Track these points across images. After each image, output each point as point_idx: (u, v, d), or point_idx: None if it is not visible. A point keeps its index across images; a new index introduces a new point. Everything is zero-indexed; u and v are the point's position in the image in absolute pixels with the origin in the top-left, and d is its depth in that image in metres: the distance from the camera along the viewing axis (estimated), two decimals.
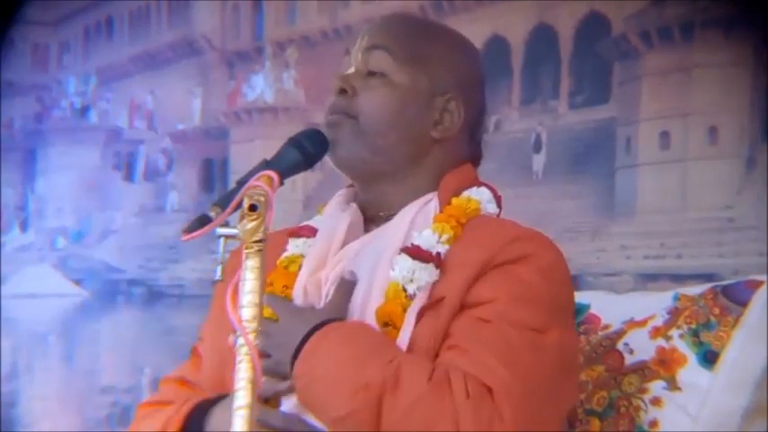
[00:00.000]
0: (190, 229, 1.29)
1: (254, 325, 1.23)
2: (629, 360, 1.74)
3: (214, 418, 1.49)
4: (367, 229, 1.59)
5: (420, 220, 1.55)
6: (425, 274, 1.48)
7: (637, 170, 4.81)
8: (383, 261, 1.51)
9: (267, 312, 1.49)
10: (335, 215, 1.61)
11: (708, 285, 1.77)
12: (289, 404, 1.48)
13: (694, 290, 1.77)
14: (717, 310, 1.70)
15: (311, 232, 1.63)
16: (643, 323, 1.77)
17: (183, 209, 7.27)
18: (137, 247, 7.50)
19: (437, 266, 1.49)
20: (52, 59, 8.55)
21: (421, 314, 1.46)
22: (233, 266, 1.28)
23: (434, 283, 1.48)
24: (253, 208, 1.26)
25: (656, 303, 1.79)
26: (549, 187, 5.10)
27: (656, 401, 1.69)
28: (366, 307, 1.49)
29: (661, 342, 1.72)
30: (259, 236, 1.26)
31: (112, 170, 8.11)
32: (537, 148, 5.23)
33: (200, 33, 7.43)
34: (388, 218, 1.58)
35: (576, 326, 1.68)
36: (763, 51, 4.18)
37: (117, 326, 7.73)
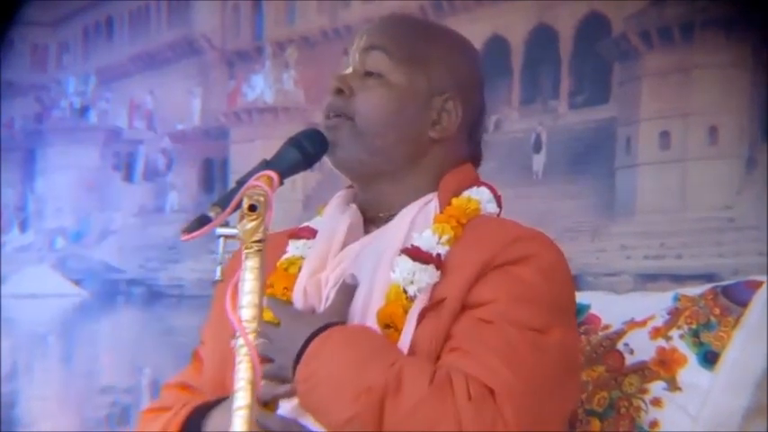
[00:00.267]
0: (189, 230, 1.29)
1: (253, 325, 1.23)
2: (629, 360, 1.74)
3: (213, 421, 1.49)
4: (367, 230, 1.59)
5: (420, 221, 1.55)
6: (426, 276, 1.48)
7: (637, 170, 4.81)
8: (383, 263, 1.51)
9: (268, 316, 1.49)
10: (335, 216, 1.61)
11: (708, 286, 1.76)
12: (286, 407, 1.48)
13: (694, 290, 1.77)
14: (717, 311, 1.70)
15: (311, 234, 1.63)
16: (643, 323, 1.76)
17: (183, 209, 7.27)
18: (136, 248, 7.50)
19: (437, 268, 1.48)
20: (52, 60, 8.55)
21: (422, 316, 1.46)
22: (233, 268, 1.28)
23: (435, 285, 1.48)
24: (252, 208, 1.26)
25: (657, 304, 1.78)
26: (549, 187, 5.11)
27: (656, 402, 1.68)
28: (367, 309, 1.49)
29: (661, 342, 1.71)
30: (259, 236, 1.25)
31: (112, 170, 8.11)
32: (537, 148, 5.23)
33: (200, 33, 7.43)
34: (388, 219, 1.58)
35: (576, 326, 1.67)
36: (762, 51, 4.19)
37: (116, 326, 7.73)
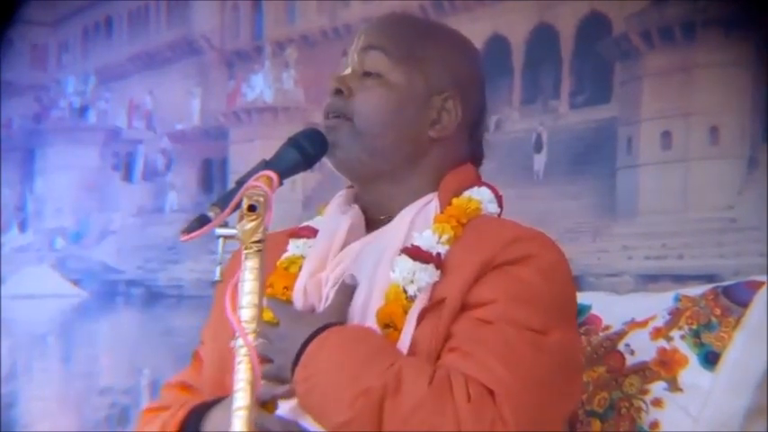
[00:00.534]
0: (189, 230, 1.28)
1: (253, 326, 1.23)
2: (630, 361, 1.73)
3: (211, 420, 1.49)
4: (368, 232, 1.59)
5: (420, 221, 1.54)
6: (426, 275, 1.47)
7: (638, 170, 4.82)
8: (383, 262, 1.50)
9: (268, 316, 1.48)
10: (336, 216, 1.60)
11: (709, 286, 1.76)
12: (286, 408, 1.48)
13: (695, 290, 1.77)
14: (718, 311, 1.69)
15: (312, 233, 1.63)
16: (644, 324, 1.76)
17: (182, 209, 7.28)
18: (135, 248, 7.50)
19: (437, 267, 1.48)
20: (51, 59, 8.56)
21: (422, 316, 1.46)
22: (233, 268, 1.27)
23: (435, 284, 1.48)
24: (252, 208, 1.25)
25: (657, 304, 1.78)
26: (549, 187, 5.11)
27: (657, 402, 1.68)
28: (367, 309, 1.49)
29: (662, 343, 1.71)
30: (258, 236, 1.25)
31: (111, 170, 8.12)
32: (538, 148, 5.23)
33: (200, 33, 7.43)
34: (389, 221, 1.57)
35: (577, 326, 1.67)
36: (764, 51, 4.19)
37: (116, 326, 7.74)
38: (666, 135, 4.71)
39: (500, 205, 1.61)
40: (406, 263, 1.48)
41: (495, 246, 1.47)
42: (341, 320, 1.48)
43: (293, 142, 1.48)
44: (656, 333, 1.72)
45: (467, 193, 1.58)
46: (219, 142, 7.22)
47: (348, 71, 1.61)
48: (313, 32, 6.65)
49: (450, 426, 1.34)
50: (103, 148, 8.14)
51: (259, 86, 7.00)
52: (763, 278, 1.71)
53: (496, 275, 1.46)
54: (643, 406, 1.69)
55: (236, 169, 6.82)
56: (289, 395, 1.46)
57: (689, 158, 4.61)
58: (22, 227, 8.35)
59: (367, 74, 1.59)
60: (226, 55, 7.33)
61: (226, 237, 1.27)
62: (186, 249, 6.77)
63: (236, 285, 1.25)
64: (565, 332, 1.46)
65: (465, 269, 1.46)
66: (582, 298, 1.62)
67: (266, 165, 1.38)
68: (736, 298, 1.70)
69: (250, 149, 6.76)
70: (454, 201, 1.56)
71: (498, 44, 5.38)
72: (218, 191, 6.93)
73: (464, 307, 1.45)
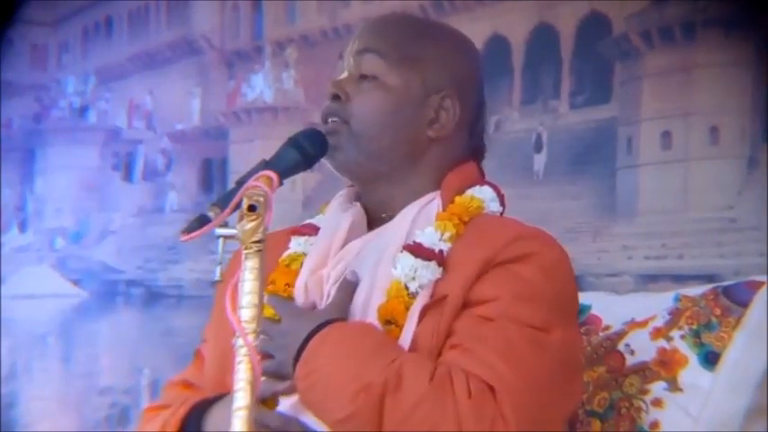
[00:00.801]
0: (189, 230, 1.28)
1: (253, 326, 1.23)
2: (630, 361, 1.73)
3: (212, 418, 1.49)
4: (369, 230, 1.59)
5: (422, 219, 1.54)
6: (428, 272, 1.47)
7: (638, 170, 4.82)
8: (385, 259, 1.50)
9: (269, 313, 1.49)
10: (337, 214, 1.60)
11: (709, 286, 1.76)
12: (286, 404, 1.48)
13: (695, 290, 1.76)
14: (718, 311, 1.69)
15: (313, 230, 1.63)
16: (644, 324, 1.76)
17: (182, 209, 7.29)
18: (135, 248, 7.51)
19: (439, 264, 1.48)
20: (51, 59, 8.56)
21: (423, 312, 1.46)
22: (233, 268, 1.27)
23: (437, 282, 1.48)
24: (252, 208, 1.25)
25: (657, 304, 1.78)
26: (549, 187, 5.11)
27: (657, 402, 1.68)
28: (368, 305, 1.49)
29: (662, 343, 1.71)
30: (258, 236, 1.25)
31: (111, 170, 8.13)
32: (538, 148, 5.23)
33: (200, 33, 7.44)
34: (391, 219, 1.57)
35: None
36: (763, 51, 4.19)
37: (116, 326, 7.75)
38: (666, 135, 4.71)
39: (502, 204, 1.61)
40: (408, 260, 1.48)
41: (497, 243, 1.47)
42: (342, 317, 1.48)
43: (293, 142, 1.48)
44: (656, 333, 1.72)
45: (469, 192, 1.58)
46: (219, 142, 7.22)
47: (344, 75, 1.61)
48: (313, 32, 6.65)
49: (450, 422, 1.34)
50: (103, 148, 8.14)
51: (259, 86, 7.01)
52: (763, 278, 1.71)
53: (498, 273, 1.46)
54: (643, 406, 1.68)
55: (236, 169, 6.82)
56: (290, 391, 1.46)
57: (689, 158, 4.61)
58: (22, 227, 8.35)
59: (363, 77, 1.58)
60: (226, 55, 7.33)
61: (226, 237, 1.27)
62: (186, 249, 6.78)
63: (236, 285, 1.25)
64: (566, 330, 1.46)
65: (467, 266, 1.46)
66: (582, 298, 1.62)
67: (266, 165, 1.38)
68: (736, 298, 1.70)
69: (250, 149, 6.76)
70: (456, 199, 1.56)
71: (498, 44, 5.39)
72: (218, 191, 6.93)
73: (466, 304, 1.45)
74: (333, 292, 1.51)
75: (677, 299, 1.75)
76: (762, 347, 1.63)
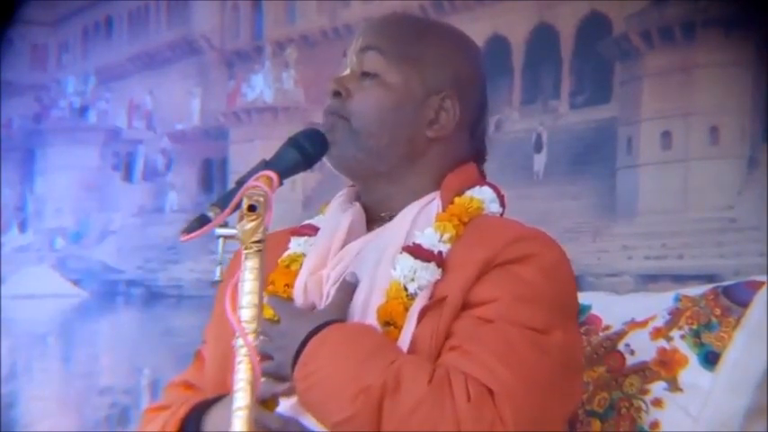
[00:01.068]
0: (189, 230, 1.28)
1: (253, 326, 1.23)
2: (630, 361, 1.73)
3: (211, 419, 1.49)
4: (369, 230, 1.59)
5: (422, 220, 1.54)
6: (427, 274, 1.47)
7: (638, 170, 4.82)
8: (384, 260, 1.50)
9: (268, 313, 1.49)
10: (337, 214, 1.60)
11: (709, 286, 1.76)
12: (286, 405, 1.48)
13: (695, 290, 1.76)
14: (718, 311, 1.69)
15: (313, 231, 1.63)
16: (644, 324, 1.76)
17: (182, 209, 7.28)
18: (135, 248, 7.50)
19: (439, 265, 1.48)
20: (51, 59, 8.56)
21: (423, 314, 1.46)
22: (233, 268, 1.27)
23: (436, 283, 1.48)
24: (252, 208, 1.25)
25: (657, 304, 1.78)
26: (549, 187, 5.11)
27: (657, 402, 1.68)
28: (367, 306, 1.49)
29: (662, 343, 1.71)
30: (258, 236, 1.25)
31: (111, 170, 8.12)
32: (538, 148, 5.23)
33: (200, 33, 7.43)
34: (390, 218, 1.57)
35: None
36: (764, 51, 4.19)
37: (116, 326, 7.74)
38: (666, 135, 4.71)
39: (502, 204, 1.61)
40: (408, 261, 1.48)
41: (497, 244, 1.47)
42: (341, 318, 1.48)
43: (293, 142, 1.48)
44: (656, 333, 1.72)
45: (469, 193, 1.57)
46: (219, 142, 7.22)
47: (347, 72, 1.61)
48: (313, 32, 6.65)
49: (449, 425, 1.34)
50: (103, 148, 8.14)
51: (259, 86, 7.01)
52: (763, 278, 1.71)
53: (498, 274, 1.46)
54: (643, 406, 1.68)
55: (236, 169, 6.82)
56: (289, 392, 1.46)
57: (689, 158, 4.61)
58: (22, 227, 8.35)
59: (365, 74, 1.59)
60: (226, 55, 7.33)
61: (226, 237, 1.27)
62: (186, 249, 6.77)
63: (236, 285, 1.25)
64: (566, 332, 1.46)
65: (466, 268, 1.46)
66: (582, 298, 1.62)
67: (266, 165, 1.38)
68: (736, 298, 1.70)
69: (250, 149, 6.76)
70: (456, 200, 1.56)
71: (498, 44, 5.38)
72: (218, 191, 6.93)
73: (465, 305, 1.45)
74: (332, 293, 1.51)
75: (677, 299, 1.76)
76: (762, 347, 1.63)
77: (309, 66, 6.63)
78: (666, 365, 1.69)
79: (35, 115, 8.42)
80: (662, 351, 1.70)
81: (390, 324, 1.46)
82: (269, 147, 1.58)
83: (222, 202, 1.28)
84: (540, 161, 5.20)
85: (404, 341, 1.45)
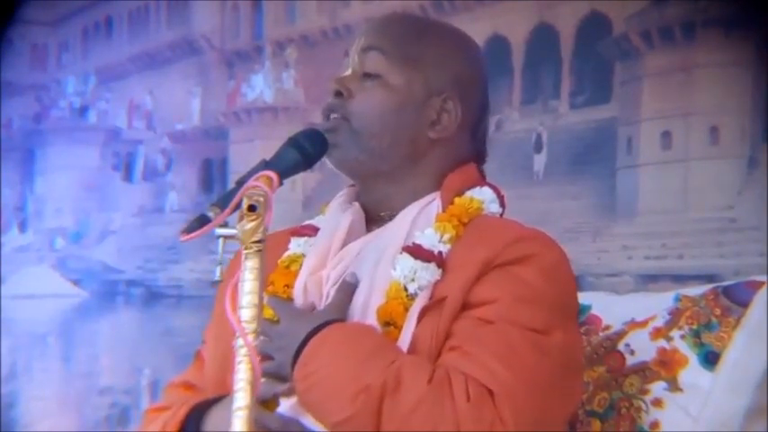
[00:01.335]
0: (189, 230, 1.28)
1: (253, 326, 1.23)
2: (630, 361, 1.73)
3: (211, 419, 1.49)
4: (369, 230, 1.59)
5: (422, 220, 1.54)
6: (427, 274, 1.47)
7: (638, 170, 4.82)
8: (384, 260, 1.50)
9: (268, 314, 1.49)
10: (337, 214, 1.61)
11: (709, 286, 1.76)
12: (286, 405, 1.48)
13: (695, 290, 1.76)
14: (718, 311, 1.69)
15: (313, 231, 1.63)
16: (644, 324, 1.76)
17: (182, 209, 7.28)
18: (135, 248, 7.50)
19: (439, 266, 1.48)
20: (51, 59, 8.56)
21: (422, 314, 1.46)
22: (233, 268, 1.27)
23: (436, 283, 1.48)
24: (252, 208, 1.25)
25: (657, 304, 1.78)
26: (549, 187, 5.11)
27: (657, 402, 1.68)
28: (367, 306, 1.49)
29: (662, 343, 1.71)
30: (258, 236, 1.25)
31: (111, 170, 8.12)
32: (538, 148, 5.23)
33: (200, 33, 7.43)
34: (390, 218, 1.57)
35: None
36: (764, 51, 4.19)
37: (116, 326, 7.74)
38: (666, 135, 4.71)
39: (502, 205, 1.61)
40: (408, 261, 1.48)
41: (497, 245, 1.47)
42: (341, 318, 1.48)
43: (293, 142, 1.48)
44: (656, 333, 1.72)
45: (469, 193, 1.58)
46: (219, 142, 7.22)
47: (348, 72, 1.61)
48: (313, 32, 6.65)
49: (449, 425, 1.34)
50: (103, 148, 8.14)
51: (259, 86, 7.00)
52: (763, 278, 1.71)
53: (498, 275, 1.46)
54: (643, 406, 1.68)
55: (236, 169, 6.81)
56: (289, 393, 1.46)
57: (689, 158, 4.61)
58: (22, 227, 8.34)
59: (366, 75, 1.59)
60: (226, 55, 7.33)
61: (226, 237, 1.27)
62: (186, 249, 6.77)
63: (236, 285, 1.25)
64: (566, 332, 1.46)
65: (466, 268, 1.46)
66: (582, 298, 1.62)
67: (266, 165, 1.38)
68: (736, 298, 1.70)
69: (250, 149, 6.76)
70: (456, 200, 1.56)
71: (498, 44, 5.38)
72: (218, 191, 6.93)
73: (465, 306, 1.45)
74: (332, 294, 1.51)
75: (677, 299, 1.76)
76: (762, 347, 1.63)
77: (309, 66, 6.63)
78: (666, 365, 1.69)
79: (35, 115, 8.42)
80: (662, 351, 1.70)
81: (390, 324, 1.46)
82: (269, 147, 1.59)
83: (222, 202, 1.28)
84: (540, 161, 5.20)
85: (404, 341, 1.45)
